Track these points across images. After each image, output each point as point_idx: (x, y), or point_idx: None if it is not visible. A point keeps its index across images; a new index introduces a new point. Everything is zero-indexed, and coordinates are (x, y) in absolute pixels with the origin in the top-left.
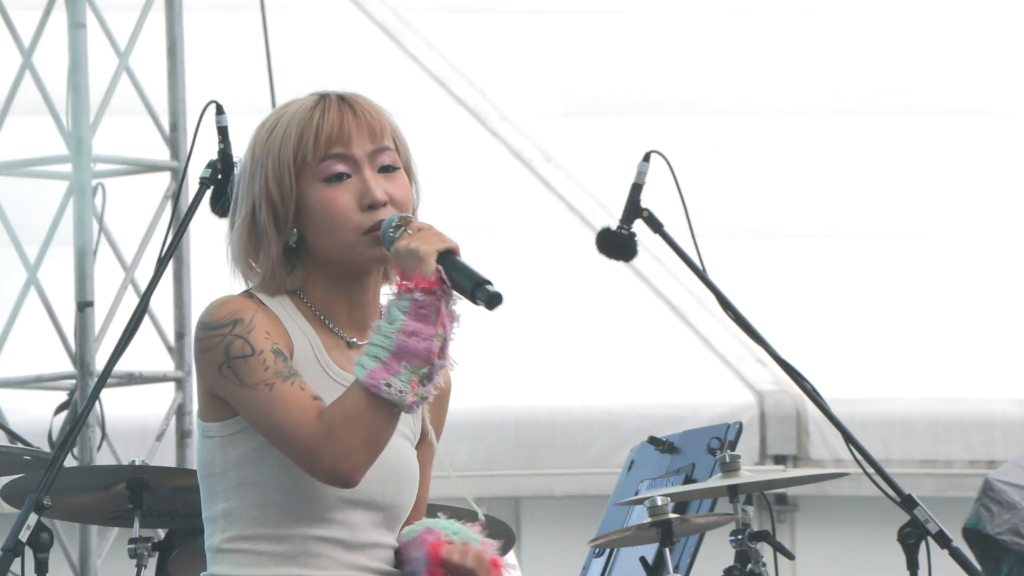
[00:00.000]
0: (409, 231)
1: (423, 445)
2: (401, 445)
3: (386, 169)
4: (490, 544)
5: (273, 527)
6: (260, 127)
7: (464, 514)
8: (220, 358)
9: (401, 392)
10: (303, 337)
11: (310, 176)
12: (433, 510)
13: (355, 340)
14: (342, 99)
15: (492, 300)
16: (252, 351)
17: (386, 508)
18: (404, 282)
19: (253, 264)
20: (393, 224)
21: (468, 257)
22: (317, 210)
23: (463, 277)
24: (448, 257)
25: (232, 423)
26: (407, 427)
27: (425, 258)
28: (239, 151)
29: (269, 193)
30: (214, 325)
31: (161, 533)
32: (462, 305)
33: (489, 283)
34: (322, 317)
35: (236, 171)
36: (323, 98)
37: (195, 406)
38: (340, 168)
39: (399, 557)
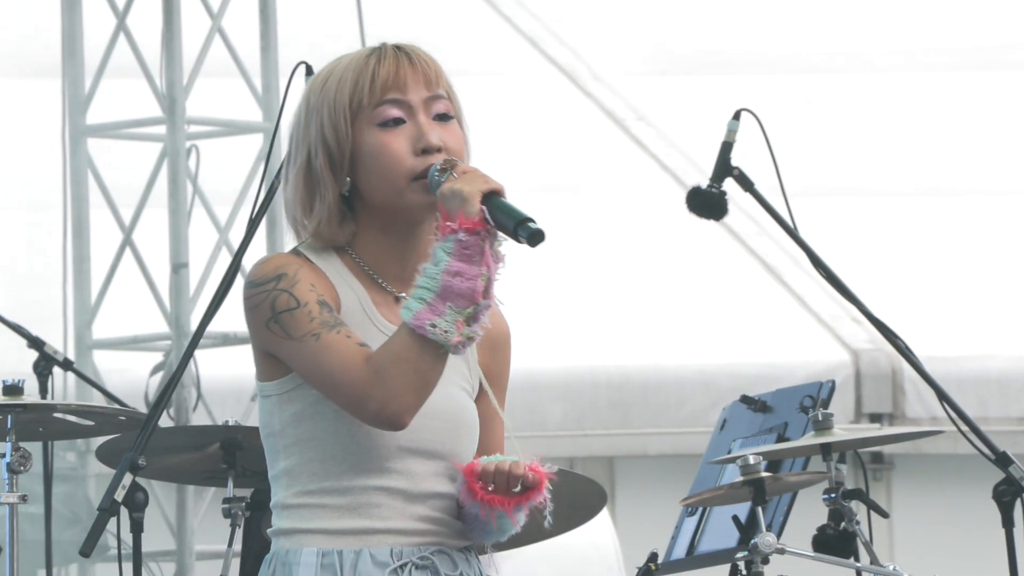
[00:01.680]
0: (454, 174)
1: (483, 396)
2: (458, 395)
3: (441, 117)
4: (528, 456)
5: (334, 480)
6: (314, 78)
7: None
8: (267, 314)
9: (446, 332)
10: (351, 292)
11: (365, 121)
12: None
13: (404, 295)
14: (398, 48)
15: (534, 237)
16: (297, 304)
17: (446, 457)
18: (448, 223)
19: (307, 213)
20: (438, 168)
21: (559, 216)
22: (371, 154)
23: (505, 216)
24: (492, 198)
25: (287, 380)
26: (463, 379)
27: (469, 199)
28: None
29: (325, 139)
30: (259, 282)
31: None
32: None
33: (531, 220)
34: (371, 272)
35: (290, 124)
36: (379, 47)
37: None
38: (395, 113)
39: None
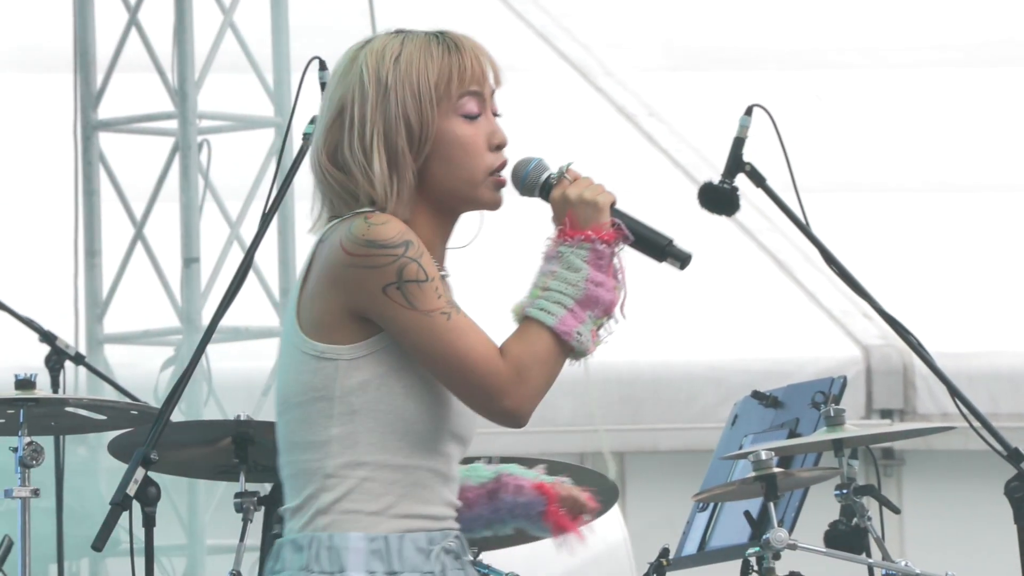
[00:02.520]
0: (567, 177)
1: None
2: None
3: (496, 114)
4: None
5: (391, 455)
6: (378, 55)
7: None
8: (390, 278)
9: (587, 342)
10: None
11: (448, 109)
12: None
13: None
14: (464, 38)
15: (686, 261)
16: (426, 276)
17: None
18: (584, 231)
19: (389, 187)
20: (547, 169)
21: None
22: (455, 143)
23: (648, 232)
24: (617, 210)
25: (363, 346)
26: None
27: (603, 209)
28: None
29: (408, 118)
30: (384, 243)
31: (267, 488)
32: None
33: (674, 240)
34: None
35: (342, 93)
36: (445, 33)
37: None
38: (476, 107)
39: (469, 502)
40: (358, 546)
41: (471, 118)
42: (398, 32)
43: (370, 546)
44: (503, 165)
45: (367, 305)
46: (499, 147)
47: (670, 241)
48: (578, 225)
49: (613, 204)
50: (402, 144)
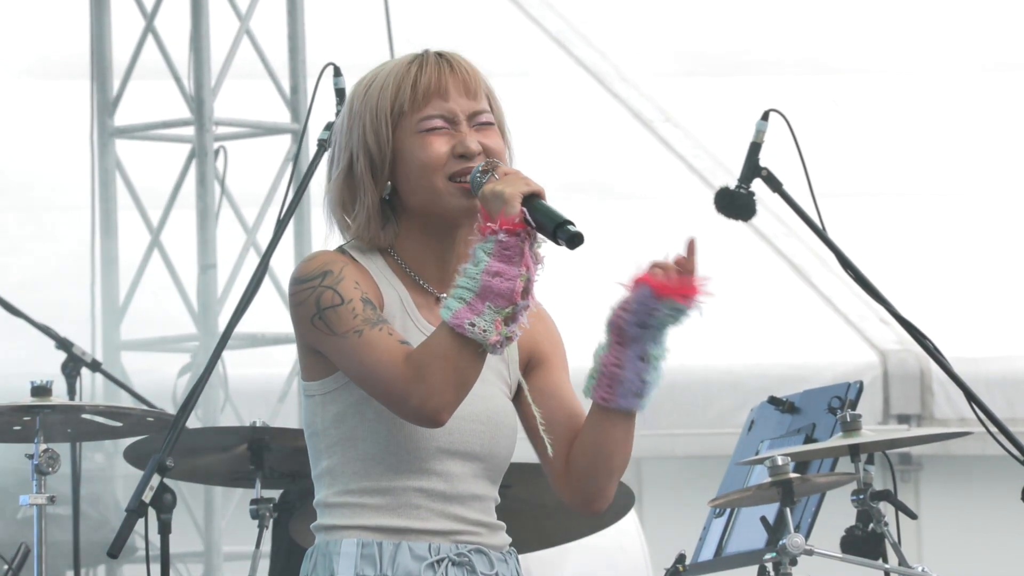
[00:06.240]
0: (496, 175)
1: (547, 371)
2: (495, 396)
3: (481, 124)
4: None
5: (374, 480)
6: (357, 84)
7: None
8: (312, 310)
9: (485, 331)
10: (393, 291)
11: (407, 127)
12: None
13: (444, 296)
14: (440, 55)
15: (573, 240)
16: (341, 300)
17: (484, 459)
18: (489, 224)
19: (348, 215)
20: (480, 169)
21: (586, 216)
22: (411, 158)
23: (545, 218)
24: (533, 200)
25: (330, 380)
26: (502, 379)
27: (510, 200)
28: None
29: (366, 144)
30: (304, 279)
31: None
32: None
33: (571, 223)
34: (412, 274)
35: (333, 128)
36: (421, 54)
37: None
38: (436, 120)
39: (620, 367)
40: (349, 551)
41: (429, 131)
42: (389, 61)
43: (362, 551)
44: (465, 172)
45: (308, 339)
46: (462, 156)
47: (559, 223)
48: (488, 218)
49: (532, 195)
50: (362, 170)
